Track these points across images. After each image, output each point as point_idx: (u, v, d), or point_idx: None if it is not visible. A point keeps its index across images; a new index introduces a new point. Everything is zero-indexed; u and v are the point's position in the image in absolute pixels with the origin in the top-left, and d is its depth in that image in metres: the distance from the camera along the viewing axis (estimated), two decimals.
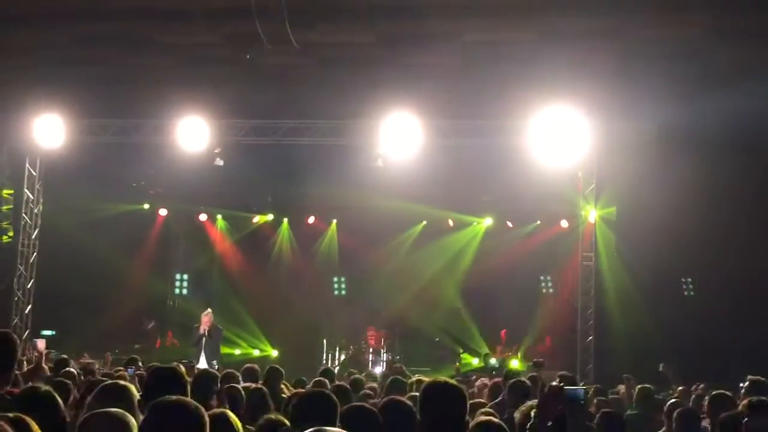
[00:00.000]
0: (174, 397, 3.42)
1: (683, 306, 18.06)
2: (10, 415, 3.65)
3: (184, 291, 24.73)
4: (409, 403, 4.67)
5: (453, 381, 4.72)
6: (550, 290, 22.36)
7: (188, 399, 3.54)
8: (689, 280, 20.67)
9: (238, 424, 4.28)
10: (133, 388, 4.74)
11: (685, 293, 20.69)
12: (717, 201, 17.21)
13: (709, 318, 19.16)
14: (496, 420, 5.08)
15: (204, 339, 15.81)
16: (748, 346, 14.98)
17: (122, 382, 4.86)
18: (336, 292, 24.02)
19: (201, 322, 16.12)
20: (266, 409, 6.41)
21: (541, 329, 20.83)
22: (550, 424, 4.33)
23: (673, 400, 8.66)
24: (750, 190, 17.36)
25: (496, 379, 10.13)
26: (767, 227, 17.07)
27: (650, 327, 18.05)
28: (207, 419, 3.34)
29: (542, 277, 22.50)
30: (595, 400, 9.19)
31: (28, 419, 3.68)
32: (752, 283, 17.44)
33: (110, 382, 5.00)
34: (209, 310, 16.45)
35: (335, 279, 24.02)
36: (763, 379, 7.49)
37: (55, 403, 4.29)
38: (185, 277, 24.78)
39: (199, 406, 3.37)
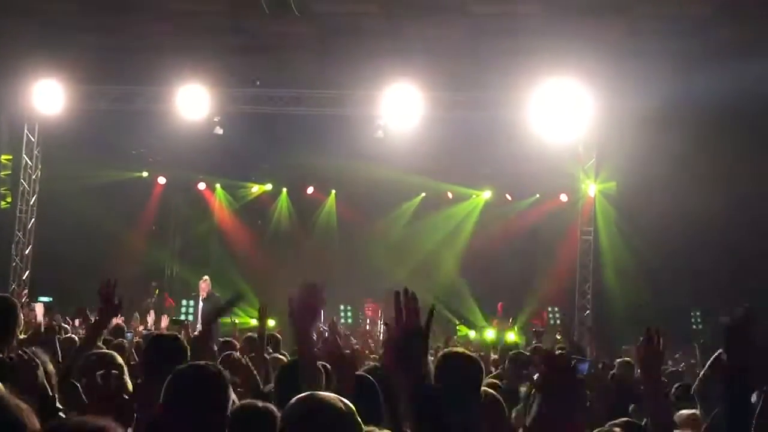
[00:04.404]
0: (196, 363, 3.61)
1: (683, 279, 18.07)
2: None
3: None
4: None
5: (469, 352, 4.73)
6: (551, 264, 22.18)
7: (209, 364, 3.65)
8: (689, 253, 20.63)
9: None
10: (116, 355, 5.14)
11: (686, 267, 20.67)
12: (717, 177, 17.18)
13: (710, 292, 19.23)
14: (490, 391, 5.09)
15: (201, 305, 15.86)
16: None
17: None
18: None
19: (199, 289, 16.16)
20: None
21: (540, 303, 20.81)
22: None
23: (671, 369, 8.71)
24: (751, 166, 17.33)
25: (493, 356, 10.14)
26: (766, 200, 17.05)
27: (648, 301, 18.09)
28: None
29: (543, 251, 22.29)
30: (610, 374, 9.20)
31: None
32: (754, 252, 17.43)
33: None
34: (206, 276, 16.44)
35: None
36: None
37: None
38: None
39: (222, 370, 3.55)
